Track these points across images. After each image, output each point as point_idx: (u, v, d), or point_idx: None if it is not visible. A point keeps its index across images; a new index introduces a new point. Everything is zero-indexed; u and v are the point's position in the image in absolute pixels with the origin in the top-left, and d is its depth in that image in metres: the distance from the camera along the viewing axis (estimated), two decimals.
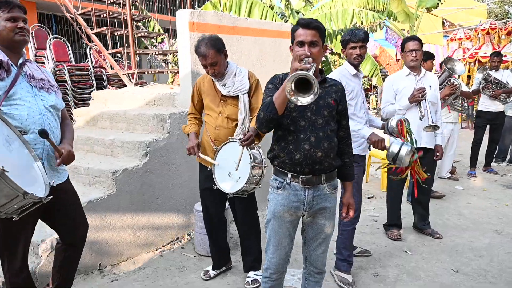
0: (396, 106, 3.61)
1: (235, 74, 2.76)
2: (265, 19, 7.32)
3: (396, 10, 6.08)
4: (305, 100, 1.69)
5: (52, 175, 2.15)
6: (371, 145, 2.82)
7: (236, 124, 2.72)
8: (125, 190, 3.19)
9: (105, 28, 4.86)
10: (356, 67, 2.99)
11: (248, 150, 2.54)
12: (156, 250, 3.46)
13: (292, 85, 1.68)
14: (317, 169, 1.96)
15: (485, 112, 6.17)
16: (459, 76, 9.00)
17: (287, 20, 8.00)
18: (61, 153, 2.08)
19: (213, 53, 2.62)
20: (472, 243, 3.71)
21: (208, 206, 2.91)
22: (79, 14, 5.16)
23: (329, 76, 3.02)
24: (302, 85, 1.69)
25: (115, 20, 6.18)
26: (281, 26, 4.77)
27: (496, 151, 7.01)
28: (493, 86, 5.99)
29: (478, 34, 11.41)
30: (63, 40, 7.51)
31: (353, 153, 2.96)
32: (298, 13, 8.50)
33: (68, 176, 2.32)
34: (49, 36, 7.47)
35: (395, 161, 2.70)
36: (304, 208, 2.01)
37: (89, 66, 7.29)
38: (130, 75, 4.70)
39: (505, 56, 8.80)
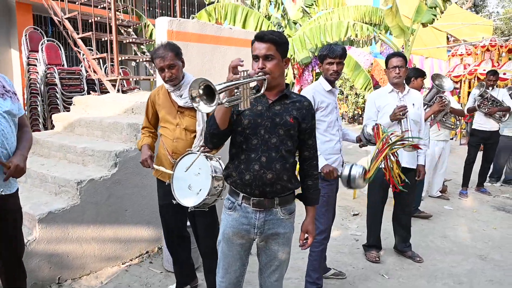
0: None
1: None
2: (260, 29, 7.26)
3: (390, 24, 5.98)
4: (204, 108, 1.56)
5: (1, 184, 2.07)
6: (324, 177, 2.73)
7: (195, 136, 2.62)
8: (90, 201, 3.08)
9: (90, 32, 4.79)
10: (332, 83, 2.91)
11: (208, 161, 2.44)
12: (122, 264, 3.34)
13: (200, 90, 1.55)
14: (269, 192, 1.84)
15: (479, 131, 6.04)
16: (459, 93, 8.87)
17: (284, 31, 7.93)
18: (8, 167, 2.00)
19: (172, 56, 2.54)
20: (453, 268, 3.56)
21: (168, 222, 2.79)
22: (66, 18, 5.10)
23: (304, 91, 2.92)
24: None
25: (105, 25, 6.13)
26: None
27: (491, 170, 6.87)
28: (489, 103, 5.87)
29: (478, 50, 11.32)
30: (56, 43, 7.48)
31: None
32: (295, 23, 8.44)
33: (18, 190, 2.22)
34: (43, 38, 7.46)
35: (350, 185, 2.62)
36: (255, 232, 1.90)
37: (80, 70, 7.25)
38: (126, 81, 4.63)
39: (504, 74, 8.70)
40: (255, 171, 1.82)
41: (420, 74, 4.45)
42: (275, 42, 1.81)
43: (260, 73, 1.80)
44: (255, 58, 1.84)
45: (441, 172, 5.76)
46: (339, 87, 17.64)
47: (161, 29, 3.52)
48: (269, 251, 1.95)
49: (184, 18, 4.55)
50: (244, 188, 1.87)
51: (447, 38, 18.88)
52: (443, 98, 4.36)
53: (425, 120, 4.40)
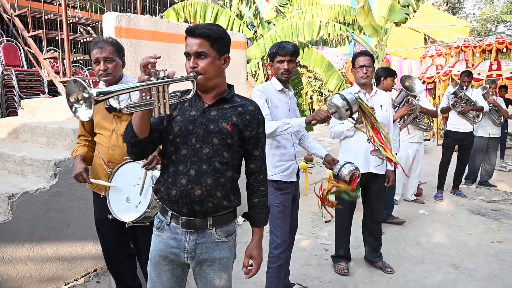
0: (344, 126, 3.27)
1: None
2: (231, 29, 7.01)
3: (363, 23, 5.81)
4: (81, 114, 1.21)
5: None
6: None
7: None
8: (25, 217, 2.76)
9: (41, 31, 4.45)
10: (284, 82, 2.69)
11: (149, 171, 2.18)
12: (64, 285, 3.02)
13: (84, 93, 1.25)
14: (199, 211, 1.58)
15: (453, 132, 5.90)
16: (433, 95, 8.67)
17: (256, 31, 7.70)
18: None
19: (112, 50, 2.32)
20: (424, 279, 3.36)
21: (106, 240, 2.51)
22: (16, 16, 4.74)
23: (253, 90, 2.68)
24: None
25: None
26: (232, 36, 4.41)
27: (466, 172, 6.77)
28: (463, 102, 5.74)
29: (452, 51, 11.30)
30: (16, 43, 7.06)
31: (277, 179, 2.66)
32: (269, 23, 8.22)
33: None
34: (1, 38, 7.02)
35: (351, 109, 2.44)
36: (186, 257, 1.63)
37: (39, 71, 6.85)
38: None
39: (479, 74, 8.65)
40: (182, 186, 1.56)
41: (390, 73, 4.26)
42: (209, 37, 1.56)
43: (192, 74, 1.54)
44: (187, 55, 1.59)
45: (416, 175, 5.60)
46: (318, 88, 17.51)
47: (108, 26, 3.23)
48: (205, 279, 1.68)
49: (155, 16, 4.27)
50: (171, 205, 1.61)
51: (425, 39, 19.04)
52: (411, 101, 4.18)
53: (393, 122, 4.22)
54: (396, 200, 5.52)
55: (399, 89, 4.39)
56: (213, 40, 1.57)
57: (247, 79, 7.75)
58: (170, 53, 3.67)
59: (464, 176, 6.72)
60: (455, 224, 4.74)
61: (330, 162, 2.79)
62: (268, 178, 2.69)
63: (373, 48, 6.31)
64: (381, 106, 3.32)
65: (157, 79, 1.35)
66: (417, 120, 5.18)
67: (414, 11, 6.03)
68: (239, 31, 7.08)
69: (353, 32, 6.23)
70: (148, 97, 1.40)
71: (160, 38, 3.57)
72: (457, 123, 5.86)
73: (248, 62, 7.87)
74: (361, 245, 3.79)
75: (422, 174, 7.31)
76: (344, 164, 2.67)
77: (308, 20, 6.36)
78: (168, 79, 1.39)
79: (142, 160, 2.08)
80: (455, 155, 6.04)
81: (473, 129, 6.03)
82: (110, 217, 2.28)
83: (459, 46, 10.78)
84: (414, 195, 5.71)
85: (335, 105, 2.30)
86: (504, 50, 8.64)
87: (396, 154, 4.49)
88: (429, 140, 11.13)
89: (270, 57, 2.67)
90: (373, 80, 3.95)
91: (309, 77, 16.61)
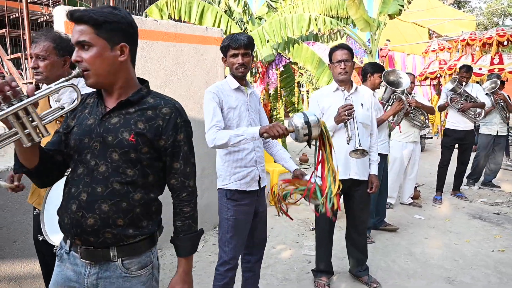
0: None
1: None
2: (219, 25, 6.70)
3: (354, 16, 5.46)
4: None
5: None
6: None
7: None
8: None
9: (4, 30, 4.18)
10: (240, 79, 2.38)
11: None
12: None
13: None
14: (95, 242, 1.27)
15: (453, 130, 5.53)
16: (437, 91, 8.15)
17: (246, 27, 7.38)
18: None
19: (48, 47, 2.03)
20: None
21: (46, 262, 2.22)
22: None
23: (206, 91, 2.37)
24: None
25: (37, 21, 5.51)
26: (207, 30, 4.11)
27: (470, 171, 6.39)
28: (462, 99, 5.37)
29: (457, 45, 10.90)
30: None
31: (232, 188, 2.34)
32: (260, 19, 7.89)
33: None
34: None
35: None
36: None
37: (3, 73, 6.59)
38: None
39: (480, 69, 8.25)
40: (72, 213, 1.26)
41: (377, 69, 3.91)
42: (91, 21, 1.23)
43: (76, 71, 1.24)
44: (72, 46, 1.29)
45: (412, 176, 5.24)
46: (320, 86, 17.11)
47: (58, 21, 2.94)
48: None
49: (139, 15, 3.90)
50: (66, 233, 1.31)
51: (429, 34, 18.56)
52: (399, 96, 3.84)
53: (383, 121, 3.89)
54: (391, 204, 5.19)
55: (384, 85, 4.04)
56: (98, 26, 1.24)
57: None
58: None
59: (466, 175, 6.36)
60: (452, 231, 4.38)
61: (299, 177, 2.44)
62: (221, 186, 2.42)
63: (366, 42, 5.96)
64: (361, 104, 2.99)
65: (10, 105, 1.06)
66: (411, 115, 4.84)
67: (409, 3, 5.66)
68: (226, 28, 6.76)
69: (344, 27, 5.88)
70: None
71: (157, 37, 3.27)
72: (456, 121, 5.49)
73: None
74: (346, 257, 3.46)
75: (421, 175, 6.99)
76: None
77: (297, 14, 6.02)
78: (28, 100, 1.09)
79: None
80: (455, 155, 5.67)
81: (474, 127, 5.66)
82: (40, 238, 1.99)
83: (465, 39, 10.39)
84: (411, 198, 5.36)
85: (294, 125, 1.96)
86: (505, 43, 8.21)
87: (387, 155, 4.16)
88: (431, 138, 10.72)
89: (222, 52, 2.36)
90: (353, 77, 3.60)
91: (310, 74, 16.23)
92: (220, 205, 2.42)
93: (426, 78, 11.42)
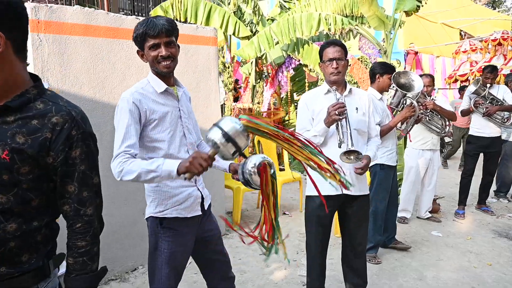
0: (311, 132, 2.58)
1: None
2: (226, 26, 6.44)
3: (367, 14, 5.05)
4: None
5: None
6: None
7: None
8: None
9: None
10: (167, 78, 1.90)
11: None
12: None
13: None
14: None
15: (477, 137, 5.01)
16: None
17: (256, 29, 7.07)
18: None
19: None
20: None
21: None
22: None
23: (124, 94, 1.84)
24: None
25: None
26: (197, 29, 3.82)
27: (499, 183, 5.81)
28: (487, 102, 4.84)
29: (488, 45, 10.22)
30: None
31: (167, 216, 1.92)
32: (273, 20, 7.57)
33: None
34: None
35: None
36: None
37: None
38: None
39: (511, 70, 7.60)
40: None
41: (387, 70, 3.50)
42: None
43: None
44: None
45: (430, 188, 4.76)
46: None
47: None
48: None
49: (134, 15, 3.71)
50: None
51: (461, 36, 17.68)
52: (411, 102, 3.41)
53: (390, 129, 3.47)
54: (405, 219, 4.72)
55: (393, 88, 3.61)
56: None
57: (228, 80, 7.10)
58: (111, 50, 3.12)
59: (495, 189, 5.79)
60: (473, 251, 3.88)
61: (235, 172, 1.97)
62: (155, 214, 1.93)
63: (381, 42, 5.53)
64: (356, 108, 2.60)
65: None
66: (427, 118, 4.39)
67: None
68: (234, 30, 6.49)
69: (356, 25, 5.47)
70: None
71: (96, 32, 3.03)
72: (481, 127, 4.97)
73: (245, 63, 7.27)
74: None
75: (445, 184, 6.45)
76: (248, 158, 1.77)
77: (306, 13, 5.66)
78: None
79: None
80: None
81: (503, 132, 5.11)
82: None
83: (496, 39, 9.73)
84: (429, 212, 4.86)
85: (211, 142, 1.51)
86: None
87: (396, 166, 3.72)
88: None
89: (137, 43, 1.84)
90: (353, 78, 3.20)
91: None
92: (151, 235, 1.96)
93: (455, 81, 10.76)
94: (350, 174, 2.57)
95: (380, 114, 3.48)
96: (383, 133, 3.45)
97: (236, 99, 8.11)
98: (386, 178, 3.58)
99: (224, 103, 7.49)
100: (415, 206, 4.87)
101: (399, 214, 4.75)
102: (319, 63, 2.71)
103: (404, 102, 3.46)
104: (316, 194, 2.60)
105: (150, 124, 1.82)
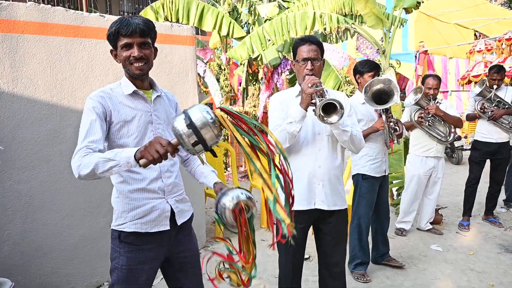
0: (286, 121, 2.26)
1: None
2: (220, 27, 6.20)
3: (363, 11, 4.73)
4: None
5: None
6: None
7: None
8: None
9: None
10: (139, 80, 1.75)
11: None
12: None
13: None
14: None
15: (483, 143, 4.62)
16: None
17: (250, 28, 6.81)
18: None
19: None
20: None
21: None
22: None
23: (88, 99, 1.68)
24: None
25: None
26: (172, 28, 3.57)
27: (508, 192, 5.41)
28: (493, 105, 4.47)
29: (502, 44, 9.74)
30: None
31: (128, 230, 1.70)
32: (271, 19, 7.30)
33: None
34: None
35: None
36: None
37: None
38: None
39: None
40: None
41: (370, 68, 3.19)
42: None
43: None
44: None
45: (432, 197, 4.40)
46: (350, 93, 16.12)
47: None
48: None
49: (125, 15, 3.47)
50: None
51: (475, 36, 17.12)
52: (381, 113, 3.12)
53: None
54: (404, 231, 4.37)
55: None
56: None
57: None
58: (71, 50, 2.89)
59: (505, 198, 5.40)
60: (475, 269, 3.52)
61: (219, 192, 1.71)
62: (114, 227, 1.74)
63: (379, 41, 5.19)
64: None
65: None
66: (428, 124, 4.06)
67: None
68: (228, 30, 6.24)
69: (353, 24, 5.15)
70: None
71: (54, 31, 2.81)
72: (487, 132, 4.59)
73: (241, 64, 7.01)
74: None
75: (451, 192, 6.07)
76: (226, 192, 1.58)
77: (300, 12, 5.36)
78: None
79: None
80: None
81: (510, 138, 4.72)
82: None
83: (511, 38, 9.28)
84: (430, 223, 4.50)
85: (175, 132, 1.32)
86: None
87: (384, 176, 3.38)
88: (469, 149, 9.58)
89: (110, 42, 1.71)
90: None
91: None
92: (111, 249, 1.77)
93: (469, 82, 10.30)
94: (323, 188, 2.27)
95: (364, 120, 3.21)
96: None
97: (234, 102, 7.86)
98: (370, 190, 3.26)
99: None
100: (417, 216, 4.52)
101: (398, 226, 4.42)
102: (292, 61, 2.43)
103: (380, 112, 3.13)
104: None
105: (114, 127, 1.68)
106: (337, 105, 2.00)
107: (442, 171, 4.37)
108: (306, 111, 2.13)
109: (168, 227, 1.77)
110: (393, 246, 3.96)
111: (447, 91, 13.47)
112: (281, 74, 6.29)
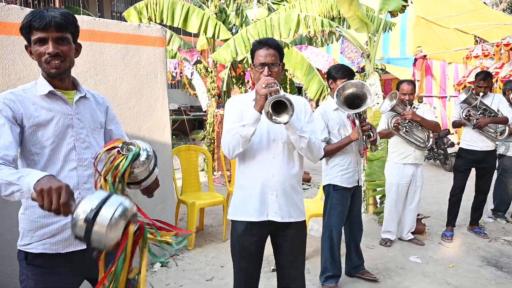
0: (240, 124, 2.13)
1: None
2: (205, 28, 6.10)
3: (347, 14, 4.60)
4: None
5: None
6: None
7: None
8: None
9: None
10: (58, 80, 1.59)
11: None
12: None
13: None
14: None
15: (468, 151, 4.48)
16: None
17: (238, 30, 6.70)
18: None
19: None
20: None
21: None
22: None
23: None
24: None
25: None
26: (140, 28, 3.45)
27: (496, 201, 5.26)
28: (478, 113, 4.32)
29: (500, 50, 9.58)
30: None
31: (35, 251, 1.53)
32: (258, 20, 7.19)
33: None
34: None
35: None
36: None
37: None
38: None
39: None
40: None
41: (343, 74, 3.07)
42: None
43: None
44: None
45: (412, 207, 4.26)
46: None
47: None
48: None
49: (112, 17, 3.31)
50: None
51: (476, 41, 16.95)
52: (355, 118, 2.98)
53: (337, 149, 3.06)
54: (389, 241, 4.21)
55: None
56: None
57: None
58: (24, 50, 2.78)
59: (493, 207, 5.24)
60: (451, 283, 3.37)
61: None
62: (21, 248, 1.56)
63: (363, 44, 5.06)
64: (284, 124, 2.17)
65: None
66: (405, 130, 3.93)
67: None
68: (214, 32, 6.14)
69: (337, 27, 5.03)
70: None
71: (7, 30, 2.69)
72: (472, 140, 4.44)
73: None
74: None
75: (440, 201, 5.90)
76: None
77: (284, 14, 5.24)
78: None
79: None
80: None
81: (498, 146, 4.58)
82: None
83: (509, 44, 9.12)
84: (411, 233, 4.36)
85: (73, 216, 1.17)
86: None
87: (357, 186, 3.24)
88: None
89: (24, 36, 1.54)
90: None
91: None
92: (19, 270, 1.60)
93: (464, 88, 10.15)
94: (277, 198, 2.14)
95: (336, 128, 3.08)
96: (330, 153, 3.05)
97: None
98: (342, 201, 3.12)
99: (207, 109, 7.12)
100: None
101: (383, 236, 4.28)
102: (250, 64, 2.30)
103: (357, 116, 2.99)
104: (239, 218, 2.23)
105: (27, 132, 1.52)
106: (287, 103, 1.87)
107: (422, 179, 4.23)
108: (260, 113, 2.00)
109: (83, 247, 1.58)
110: (371, 257, 3.82)
111: (446, 97, 13.31)
112: None
